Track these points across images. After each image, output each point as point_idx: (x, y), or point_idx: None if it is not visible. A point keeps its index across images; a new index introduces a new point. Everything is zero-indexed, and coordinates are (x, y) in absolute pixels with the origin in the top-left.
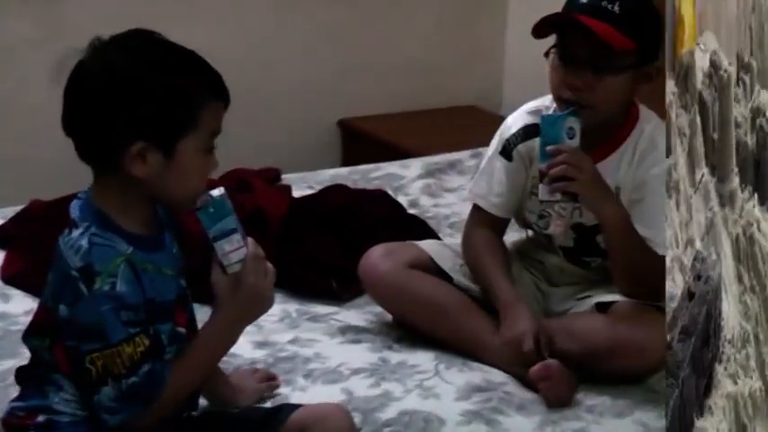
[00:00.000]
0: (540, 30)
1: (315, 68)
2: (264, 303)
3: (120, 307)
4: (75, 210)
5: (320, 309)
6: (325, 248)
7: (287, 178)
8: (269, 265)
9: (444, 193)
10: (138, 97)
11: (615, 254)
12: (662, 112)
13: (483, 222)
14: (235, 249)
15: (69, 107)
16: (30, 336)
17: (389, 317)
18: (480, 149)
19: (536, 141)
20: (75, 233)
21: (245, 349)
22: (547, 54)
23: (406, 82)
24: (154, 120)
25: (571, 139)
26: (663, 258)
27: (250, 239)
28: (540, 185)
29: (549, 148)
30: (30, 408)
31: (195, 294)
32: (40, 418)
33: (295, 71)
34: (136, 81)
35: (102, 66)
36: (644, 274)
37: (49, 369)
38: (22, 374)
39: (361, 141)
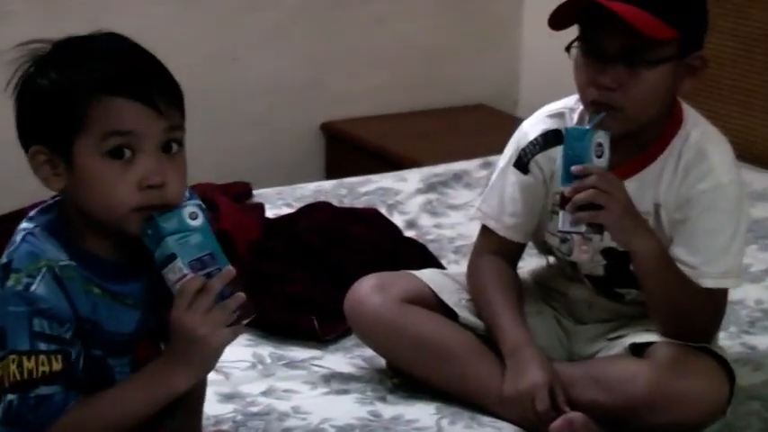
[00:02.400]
0: (557, 20)
1: (290, 60)
2: (197, 345)
3: (35, 313)
4: (38, 209)
5: (299, 353)
6: (305, 280)
7: (259, 194)
8: (238, 295)
9: (448, 210)
10: (26, 97)
11: (651, 292)
12: (708, 112)
13: (492, 248)
14: (178, 279)
15: None
16: None
17: (382, 362)
18: (491, 158)
19: (557, 151)
20: (21, 226)
21: (208, 403)
22: (568, 49)
23: (403, 76)
24: (40, 120)
25: (599, 157)
26: (712, 292)
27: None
28: (561, 213)
29: (574, 168)
30: None
31: None
32: None
33: (266, 64)
34: (24, 82)
35: (22, 79)
36: (687, 312)
37: None
38: None
39: (349, 149)
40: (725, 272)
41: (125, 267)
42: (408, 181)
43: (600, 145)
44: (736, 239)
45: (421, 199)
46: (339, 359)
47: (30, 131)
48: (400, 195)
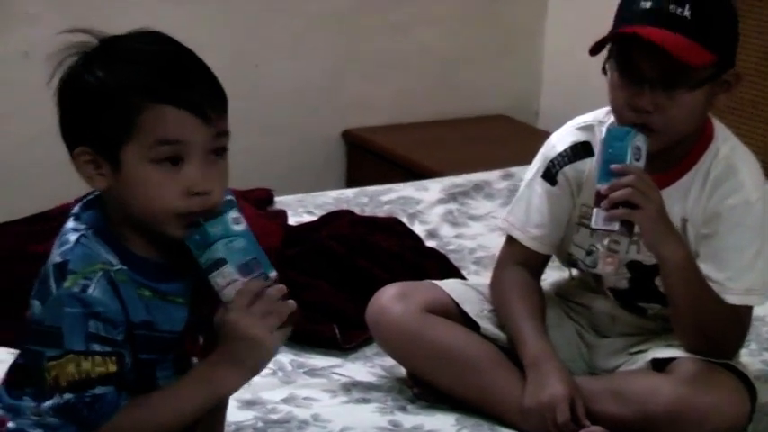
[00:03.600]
0: (598, 46)
1: (312, 67)
2: (252, 346)
3: (91, 315)
4: (81, 207)
5: (320, 360)
6: (327, 288)
7: (281, 201)
8: (287, 303)
9: (469, 221)
10: (76, 99)
11: (676, 303)
12: (729, 128)
13: (517, 258)
14: (228, 283)
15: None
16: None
17: (403, 371)
18: (512, 169)
19: (585, 163)
20: (69, 226)
21: (229, 409)
22: (604, 69)
23: (424, 84)
24: (89, 123)
25: (637, 161)
26: (736, 308)
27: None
28: (595, 210)
29: (614, 166)
30: (5, 407)
31: None
32: (10, 425)
33: (287, 71)
34: (74, 82)
35: (68, 77)
36: (712, 326)
37: (25, 380)
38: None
39: (370, 157)
40: (749, 289)
41: (168, 267)
42: (429, 190)
43: (638, 149)
44: (762, 257)
45: (442, 209)
46: (360, 368)
47: (74, 131)
48: (421, 205)
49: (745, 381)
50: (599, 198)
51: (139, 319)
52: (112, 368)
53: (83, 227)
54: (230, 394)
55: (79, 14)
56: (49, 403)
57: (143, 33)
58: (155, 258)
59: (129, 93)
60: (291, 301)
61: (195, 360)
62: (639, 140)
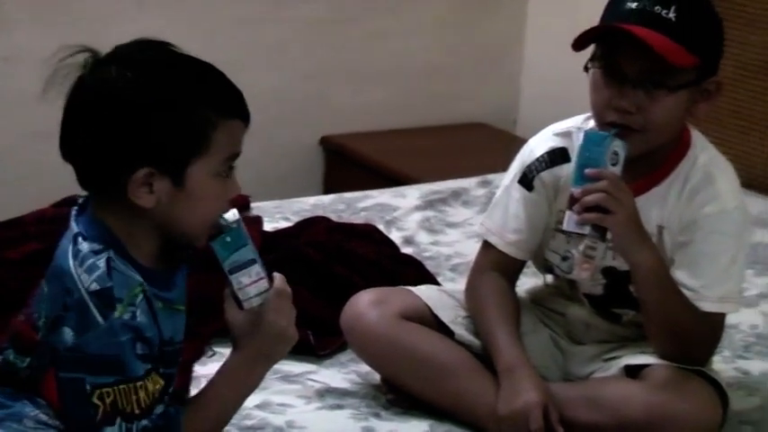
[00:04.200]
0: (580, 42)
1: (290, 75)
2: (286, 343)
3: (137, 339)
4: (79, 224)
5: (294, 367)
6: (302, 295)
7: (257, 207)
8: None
9: (446, 228)
10: (140, 118)
11: (648, 309)
12: (707, 137)
13: (493, 264)
14: (253, 282)
15: (68, 129)
16: (5, 348)
17: (377, 377)
18: (490, 176)
19: (563, 169)
20: (86, 248)
21: None
22: (586, 68)
23: (403, 92)
24: (159, 143)
25: (614, 165)
26: (710, 316)
27: (277, 275)
28: (568, 213)
29: (588, 170)
30: None
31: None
32: None
33: (267, 78)
34: (139, 99)
35: (101, 83)
36: (684, 333)
37: (23, 389)
38: None
39: (348, 164)
40: (723, 297)
41: (168, 275)
42: (407, 197)
43: (616, 154)
44: (737, 265)
45: (419, 216)
46: (334, 374)
47: (136, 154)
48: (398, 212)
49: (717, 388)
50: (572, 201)
51: (167, 335)
52: (161, 383)
53: (99, 247)
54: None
55: (61, 22)
56: (113, 430)
57: (160, 43)
58: (157, 267)
59: (204, 110)
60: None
61: None
62: (617, 146)
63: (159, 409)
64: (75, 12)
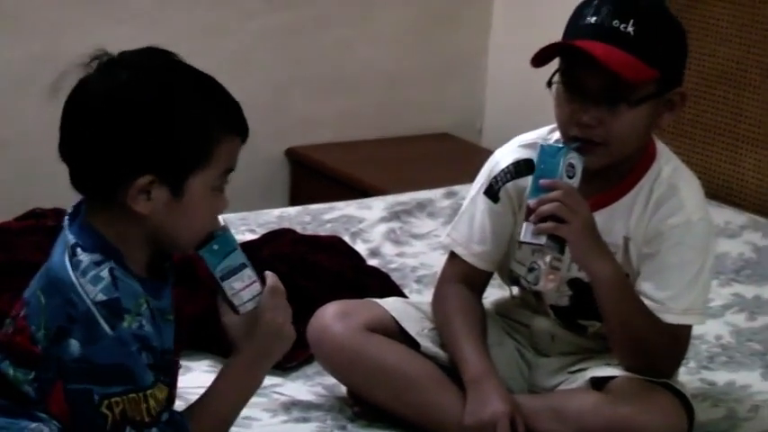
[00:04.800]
0: (541, 58)
1: (255, 85)
2: (285, 341)
3: (144, 348)
4: (75, 234)
5: None
6: None
7: (223, 219)
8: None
9: (411, 239)
10: (147, 125)
11: (608, 318)
12: (676, 146)
13: (460, 275)
14: (246, 286)
15: (68, 130)
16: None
17: (343, 389)
18: (455, 188)
19: (528, 180)
20: (87, 259)
21: None
22: (549, 84)
23: (368, 103)
24: (164, 152)
25: (570, 178)
26: (675, 327)
27: (269, 273)
28: (524, 224)
29: (542, 181)
30: None
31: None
32: None
33: (230, 88)
34: (146, 107)
35: (109, 86)
36: (647, 344)
37: (28, 405)
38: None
39: (314, 175)
40: (688, 308)
41: (158, 283)
42: (372, 209)
43: (572, 166)
44: (702, 276)
45: (384, 227)
46: (300, 387)
47: (139, 159)
48: (364, 223)
49: (683, 399)
50: (528, 212)
51: (167, 345)
52: (166, 391)
53: (100, 258)
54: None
55: (32, 33)
56: None
57: (166, 51)
58: (149, 276)
59: (210, 123)
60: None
61: None
62: (573, 158)
63: (165, 416)
64: (48, 21)
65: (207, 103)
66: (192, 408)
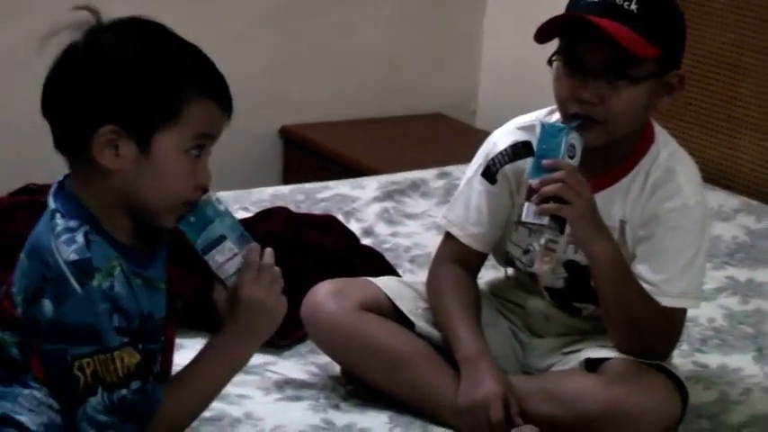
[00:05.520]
0: (543, 34)
1: (250, 65)
2: (268, 316)
3: (115, 310)
4: (57, 201)
5: (253, 358)
6: None
7: (214, 194)
8: (276, 269)
9: (405, 219)
10: (113, 74)
11: (605, 300)
12: (672, 129)
13: (455, 256)
14: (228, 259)
15: (49, 86)
16: None
17: (337, 368)
18: (449, 168)
19: (526, 163)
20: (63, 224)
21: None
22: (550, 61)
23: (362, 83)
24: (128, 102)
25: (571, 158)
26: (671, 310)
27: (253, 245)
28: (526, 204)
29: (545, 161)
30: None
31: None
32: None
33: (226, 68)
34: (115, 58)
35: (92, 44)
36: (643, 327)
37: (16, 370)
38: None
39: (307, 154)
40: (683, 291)
41: (147, 253)
42: (366, 188)
43: (573, 146)
44: (697, 260)
45: (378, 207)
46: (293, 365)
47: (105, 108)
48: (357, 203)
49: (676, 382)
50: (530, 192)
51: (147, 310)
52: (137, 357)
53: (75, 223)
54: (248, 362)
55: (32, 12)
56: (96, 403)
57: (157, 22)
58: (135, 245)
59: (181, 82)
60: (278, 268)
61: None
62: (574, 138)
63: (135, 384)
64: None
65: (180, 62)
66: (172, 381)
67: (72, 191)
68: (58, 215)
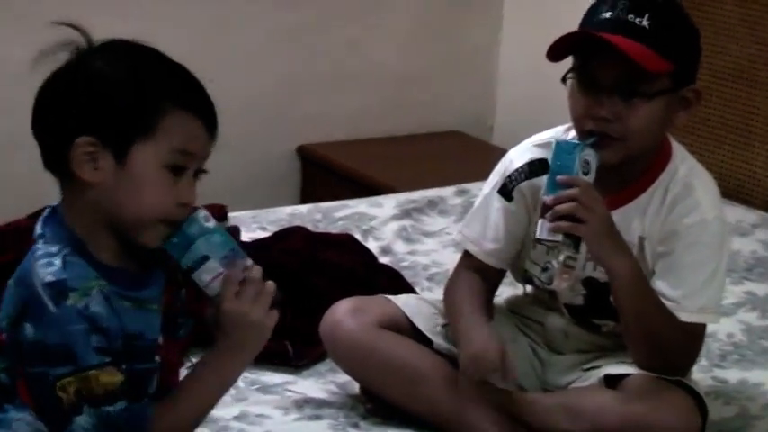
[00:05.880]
0: (556, 52)
1: (267, 82)
2: (255, 330)
3: (93, 330)
4: (45, 227)
5: (272, 377)
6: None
7: (234, 217)
8: (269, 283)
9: (423, 237)
10: (89, 86)
11: (625, 317)
12: (688, 144)
13: (472, 271)
14: (214, 278)
15: (36, 105)
16: None
17: (356, 387)
18: (467, 185)
19: (543, 180)
20: (44, 249)
21: None
22: (564, 79)
23: (379, 101)
24: (103, 112)
25: (585, 174)
26: (690, 326)
27: (239, 260)
28: (540, 221)
29: (560, 177)
30: None
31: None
32: None
33: (242, 86)
34: (93, 71)
35: (80, 66)
36: (663, 342)
37: (8, 395)
38: None
39: (325, 173)
40: (703, 307)
41: (139, 274)
42: (383, 207)
43: (587, 163)
44: (717, 276)
45: (396, 225)
46: (312, 384)
47: (83, 120)
48: (375, 221)
49: (696, 397)
50: (544, 209)
51: (134, 329)
52: (119, 377)
53: (56, 247)
54: (239, 377)
55: (40, 28)
56: (83, 422)
57: (148, 46)
58: (125, 267)
59: (158, 93)
60: (271, 282)
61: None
62: (589, 155)
63: (121, 404)
64: (42, 11)
65: (157, 73)
66: (165, 398)
67: (61, 215)
68: (41, 241)
